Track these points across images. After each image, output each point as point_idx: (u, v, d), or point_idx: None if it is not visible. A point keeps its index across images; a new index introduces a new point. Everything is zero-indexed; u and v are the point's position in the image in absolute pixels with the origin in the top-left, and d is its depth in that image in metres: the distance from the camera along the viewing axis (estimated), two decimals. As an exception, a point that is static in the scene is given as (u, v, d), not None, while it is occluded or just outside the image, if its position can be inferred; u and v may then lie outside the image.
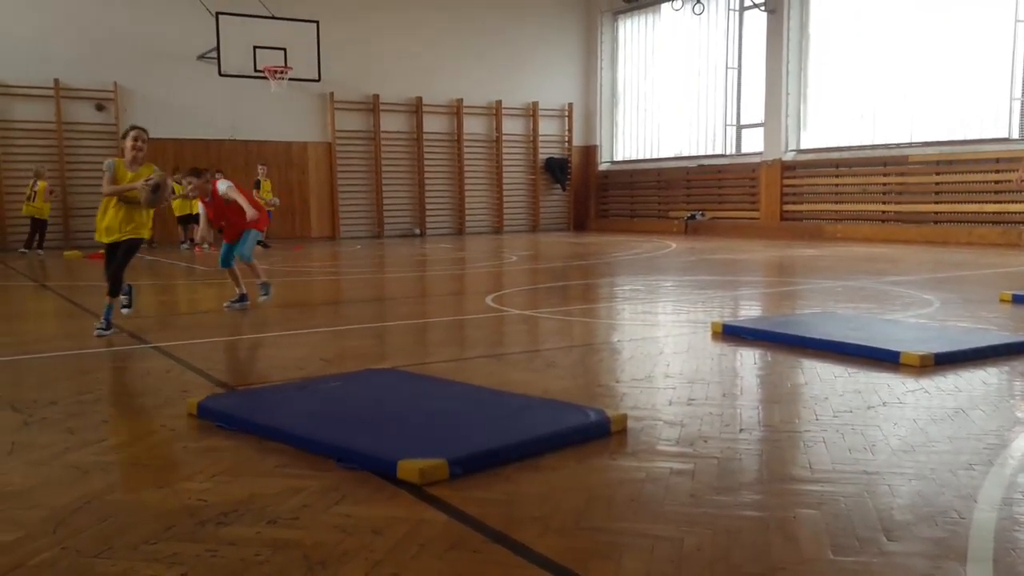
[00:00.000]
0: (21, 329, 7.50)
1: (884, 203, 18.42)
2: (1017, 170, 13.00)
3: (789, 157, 20.21)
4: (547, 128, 24.59)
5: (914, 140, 18.07)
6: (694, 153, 23.01)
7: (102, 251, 6.86)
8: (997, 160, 16.42)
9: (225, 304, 8.20)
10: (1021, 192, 14.19)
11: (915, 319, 6.95)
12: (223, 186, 8.01)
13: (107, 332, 6.57)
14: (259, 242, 17.50)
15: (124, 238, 6.63)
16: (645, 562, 2.47)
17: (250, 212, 7.99)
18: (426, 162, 22.74)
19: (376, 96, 21.83)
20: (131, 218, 6.61)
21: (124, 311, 6.84)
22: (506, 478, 3.19)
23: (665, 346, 5.95)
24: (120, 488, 3.23)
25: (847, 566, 2.43)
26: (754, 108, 21.29)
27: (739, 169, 21.57)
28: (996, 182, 16.41)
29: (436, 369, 5.23)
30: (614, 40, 25.02)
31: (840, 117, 19.47)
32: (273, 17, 18.21)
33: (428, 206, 22.92)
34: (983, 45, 16.79)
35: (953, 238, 16.69)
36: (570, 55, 24.88)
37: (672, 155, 23.69)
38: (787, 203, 20.23)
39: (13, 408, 4.38)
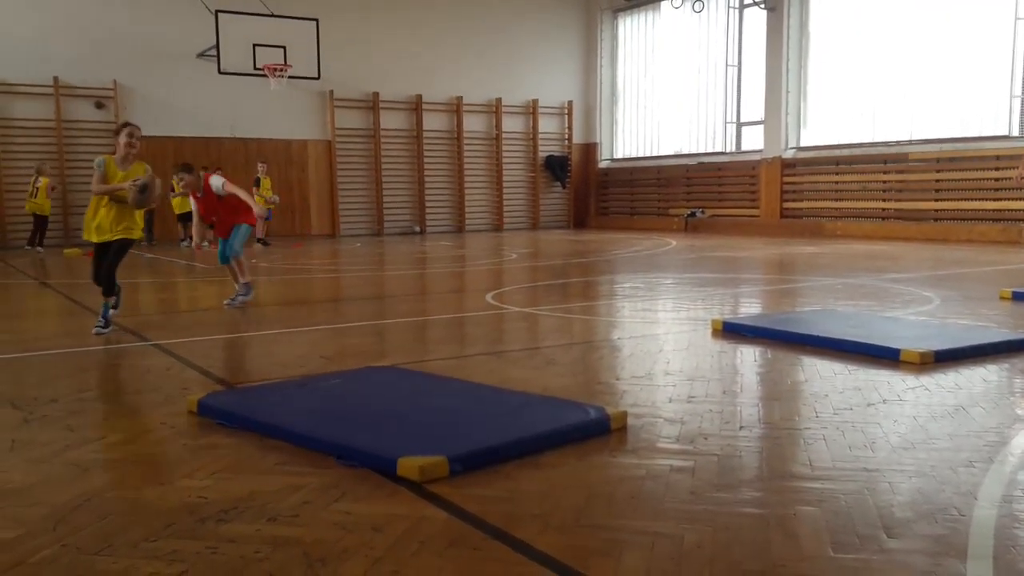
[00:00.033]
0: (21, 327, 7.50)
1: (884, 200, 18.41)
2: (1017, 167, 13.00)
3: (789, 155, 20.21)
4: (547, 126, 24.58)
5: (914, 137, 18.06)
6: (694, 151, 23.00)
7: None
8: (997, 157, 16.41)
9: (225, 302, 8.20)
10: (1021, 189, 14.19)
11: (915, 316, 6.95)
12: (217, 181, 7.99)
13: (106, 330, 6.57)
14: (260, 240, 17.74)
15: (115, 238, 6.55)
16: (645, 559, 2.47)
17: (257, 208, 8.03)
18: (426, 160, 22.74)
19: (376, 94, 21.82)
20: (122, 218, 6.53)
21: (111, 312, 6.75)
22: (506, 475, 3.19)
23: (665, 343, 5.95)
24: (120, 485, 3.23)
25: (847, 563, 2.43)
26: (754, 105, 21.28)
27: (739, 167, 21.56)
28: (996, 179, 16.40)
29: (436, 366, 5.23)
30: (614, 37, 25.00)
31: (840, 114, 19.46)
32: (273, 15, 18.19)
33: (428, 204, 22.91)
34: (983, 42, 16.78)
35: (953, 235, 16.68)
36: (570, 53, 24.86)
37: (672, 153, 23.68)
38: (787, 201, 20.22)
39: (13, 405, 4.38)
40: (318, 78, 18.85)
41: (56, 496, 3.05)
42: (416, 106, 22.44)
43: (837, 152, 19.33)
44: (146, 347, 6.12)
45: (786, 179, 20.21)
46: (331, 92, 21.08)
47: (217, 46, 17.58)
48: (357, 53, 21.26)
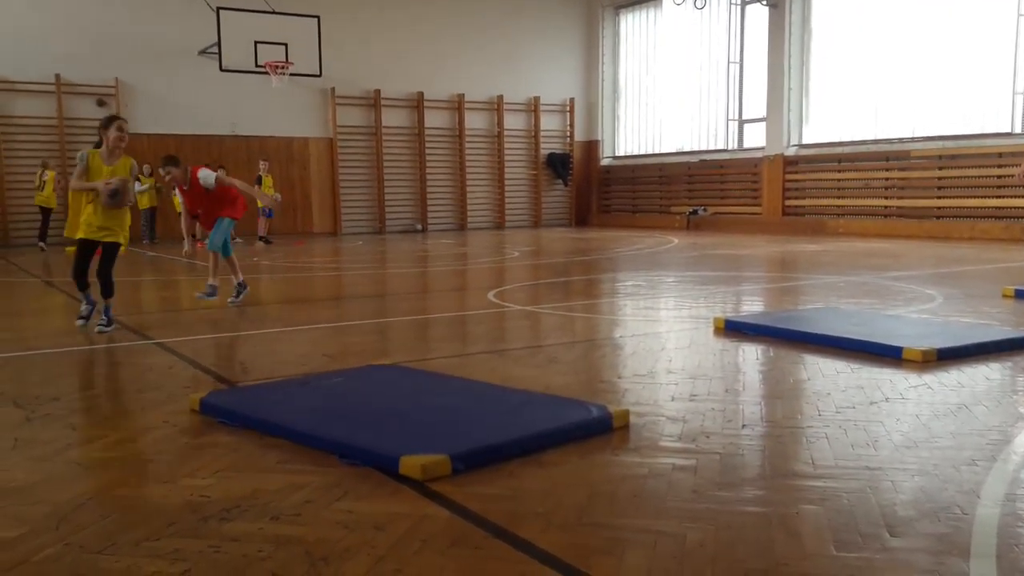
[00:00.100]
0: (23, 325, 7.50)
1: (886, 198, 18.39)
2: (1019, 164, 12.98)
3: (791, 152, 20.19)
4: (549, 123, 24.56)
5: (916, 135, 18.04)
6: (696, 148, 22.98)
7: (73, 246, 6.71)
8: (1000, 155, 16.39)
9: (229, 300, 8.21)
10: (1023, 187, 14.18)
11: (917, 314, 6.95)
12: (208, 176, 7.99)
13: (108, 329, 6.57)
14: (262, 238, 17.74)
15: (104, 239, 6.51)
16: (647, 558, 2.47)
17: (266, 200, 8.09)
18: (428, 158, 22.73)
19: (377, 91, 21.81)
20: (108, 218, 6.46)
21: (79, 323, 6.68)
22: (508, 474, 3.19)
23: (667, 342, 5.95)
24: (122, 484, 3.23)
25: (850, 562, 2.43)
26: (756, 103, 21.25)
27: (741, 164, 21.54)
28: (999, 177, 16.37)
29: (438, 365, 5.23)
30: (615, 35, 24.98)
31: (842, 112, 19.43)
32: (274, 12, 18.19)
33: (430, 202, 22.91)
34: (985, 39, 16.75)
35: (955, 233, 16.66)
36: (571, 50, 24.85)
37: (674, 150, 23.66)
38: (789, 198, 20.20)
39: (16, 404, 4.39)
40: (320, 75, 18.85)
41: (58, 495, 3.05)
42: (418, 103, 22.43)
43: (839, 149, 19.31)
44: (148, 345, 6.12)
45: (788, 176, 20.19)
46: (332, 89, 21.07)
47: (219, 43, 17.58)
48: (358, 50, 21.26)
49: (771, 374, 4.97)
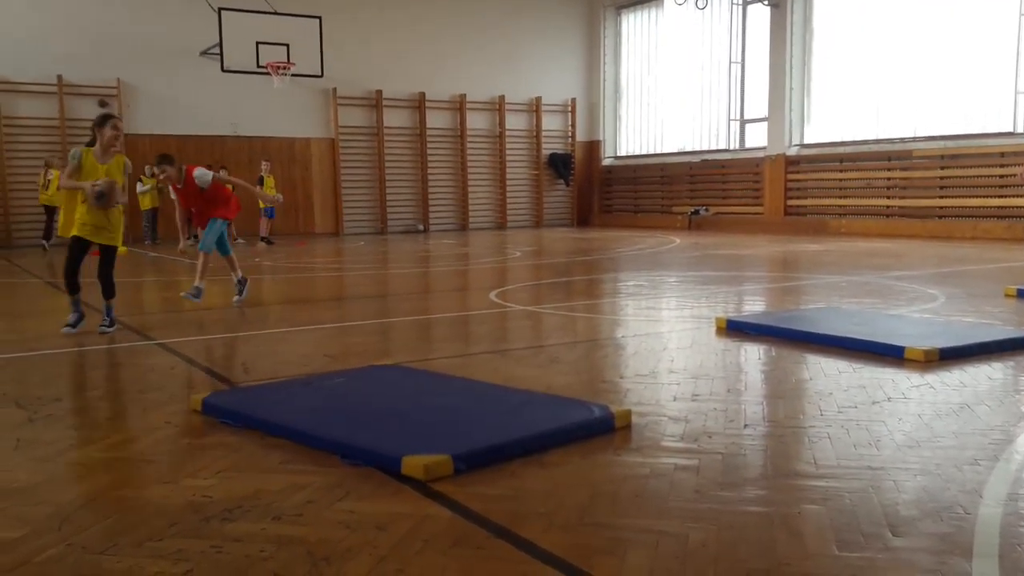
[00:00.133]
0: (26, 326, 7.51)
1: (888, 198, 18.38)
2: (1021, 164, 12.99)
3: (793, 152, 20.17)
4: (550, 123, 24.57)
5: (918, 134, 18.03)
6: (697, 148, 22.97)
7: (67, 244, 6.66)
8: (1002, 154, 16.37)
9: (234, 299, 8.22)
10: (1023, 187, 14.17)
11: (919, 314, 6.94)
12: (204, 175, 8.00)
13: (110, 329, 6.57)
14: (263, 239, 17.75)
15: (100, 242, 6.51)
16: (649, 558, 2.47)
17: (268, 199, 8.10)
18: (429, 158, 22.74)
19: (379, 92, 21.82)
20: (100, 220, 6.45)
21: (65, 329, 6.64)
22: (510, 474, 3.19)
23: (669, 342, 5.95)
24: (125, 485, 3.23)
25: (852, 562, 2.43)
26: (758, 103, 21.25)
27: (743, 164, 21.53)
28: (1001, 176, 16.36)
29: (440, 365, 5.23)
30: (617, 35, 24.97)
31: (844, 111, 19.42)
32: (275, 13, 18.20)
33: (431, 202, 22.92)
34: (987, 39, 16.74)
35: (958, 233, 16.65)
36: (573, 50, 24.84)
37: (675, 150, 23.66)
38: (791, 198, 20.19)
39: (18, 404, 4.39)
40: (321, 76, 18.86)
41: (61, 495, 3.05)
42: (419, 104, 22.44)
43: (841, 149, 19.30)
44: (150, 346, 6.12)
45: (790, 176, 20.18)
46: (334, 90, 21.08)
47: (220, 44, 17.59)
48: (360, 51, 21.27)
49: (773, 374, 4.96)
